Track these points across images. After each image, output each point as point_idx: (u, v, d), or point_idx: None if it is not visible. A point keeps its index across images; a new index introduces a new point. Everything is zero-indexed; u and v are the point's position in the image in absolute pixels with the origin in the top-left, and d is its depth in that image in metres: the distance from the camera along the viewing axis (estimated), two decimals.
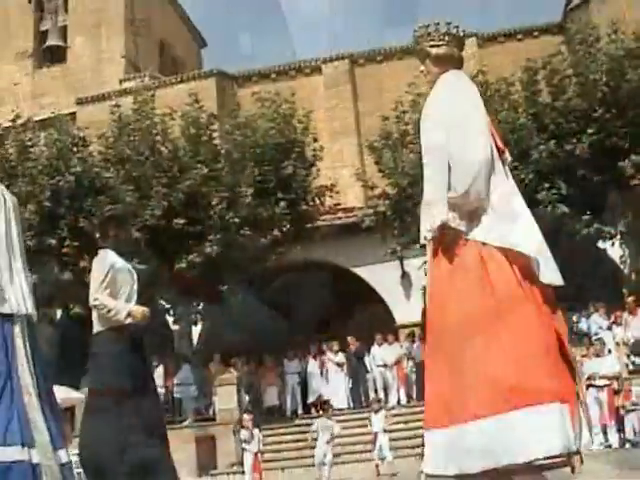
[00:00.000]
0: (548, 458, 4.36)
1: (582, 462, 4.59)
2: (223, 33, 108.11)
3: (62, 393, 20.38)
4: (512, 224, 4.67)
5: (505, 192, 4.78)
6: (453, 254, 4.68)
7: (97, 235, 7.15)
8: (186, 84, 33.79)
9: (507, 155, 5.14)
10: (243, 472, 17.39)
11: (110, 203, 22.14)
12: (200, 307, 25.32)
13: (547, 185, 21.51)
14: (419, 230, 4.84)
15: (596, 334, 21.60)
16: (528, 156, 21.71)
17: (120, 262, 6.76)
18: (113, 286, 6.61)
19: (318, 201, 26.24)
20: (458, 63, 5.18)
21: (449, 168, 4.65)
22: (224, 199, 22.79)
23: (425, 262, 7.74)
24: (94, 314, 6.68)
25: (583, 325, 23.02)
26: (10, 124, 26.06)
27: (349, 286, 27.64)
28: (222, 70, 36.27)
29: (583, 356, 18.76)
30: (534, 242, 4.70)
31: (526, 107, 22.69)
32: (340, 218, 28.26)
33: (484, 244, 4.62)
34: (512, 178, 4.97)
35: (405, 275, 26.34)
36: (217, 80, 35.35)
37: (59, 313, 27.87)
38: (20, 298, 5.31)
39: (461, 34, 5.19)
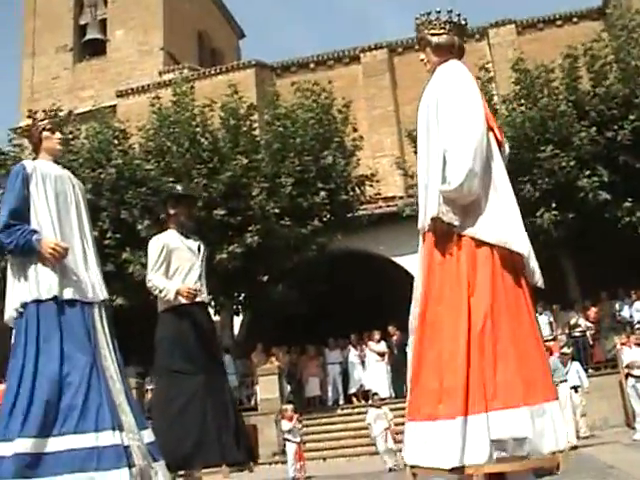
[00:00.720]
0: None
1: (565, 462, 4.60)
2: (261, 24, 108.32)
3: None
4: (505, 221, 4.63)
5: (499, 188, 4.74)
6: (445, 248, 4.65)
7: (161, 215, 7.17)
8: (225, 75, 33.92)
9: (506, 148, 5.10)
10: (285, 462, 17.42)
11: (150, 195, 22.31)
12: (241, 298, 25.41)
13: (588, 172, 21.35)
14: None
15: (639, 322, 21.43)
16: (569, 143, 21.56)
17: (177, 241, 6.78)
18: (167, 266, 6.65)
19: (358, 190, 26.18)
20: (459, 52, 5.12)
21: (444, 161, 4.61)
22: (264, 189, 22.83)
23: None
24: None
25: (625, 313, 22.84)
26: None
27: (390, 275, 27.59)
28: (261, 61, 36.33)
29: (622, 344, 18.59)
30: (526, 241, 4.69)
31: (567, 94, 22.49)
32: (380, 207, 28.16)
33: (477, 240, 4.59)
34: (506, 172, 4.90)
35: None
36: (256, 71, 35.44)
37: None
38: (96, 284, 5.45)
39: (463, 22, 5.12)
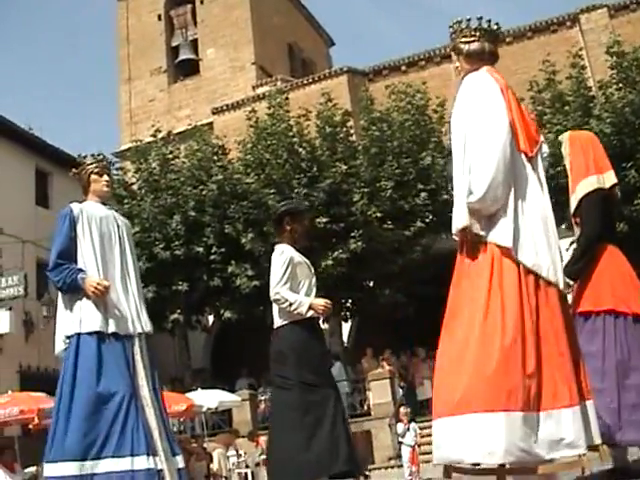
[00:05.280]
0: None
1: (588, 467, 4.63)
2: (350, 30, 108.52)
3: (218, 397, 20.82)
4: (527, 231, 4.72)
5: (525, 196, 4.81)
6: (473, 257, 4.78)
7: (274, 230, 7.23)
8: (318, 84, 33.98)
9: (544, 148, 5.12)
10: (401, 466, 17.37)
11: (252, 208, 22.54)
12: (348, 304, 25.43)
13: None
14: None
15: None
16: None
17: (297, 256, 6.81)
18: (293, 280, 6.66)
19: None
20: (491, 58, 5.15)
21: (469, 173, 4.69)
22: (365, 194, 22.88)
23: (571, 243, 7.78)
24: (274, 309, 6.74)
25: None
26: (151, 139, 26.80)
27: None
28: (352, 67, 36.31)
29: None
30: (544, 249, 4.74)
31: None
32: None
33: (502, 248, 4.67)
34: (540, 174, 4.97)
35: None
36: (348, 77, 35.39)
37: (211, 319, 28.47)
38: (136, 318, 5.82)
39: (494, 28, 5.17)
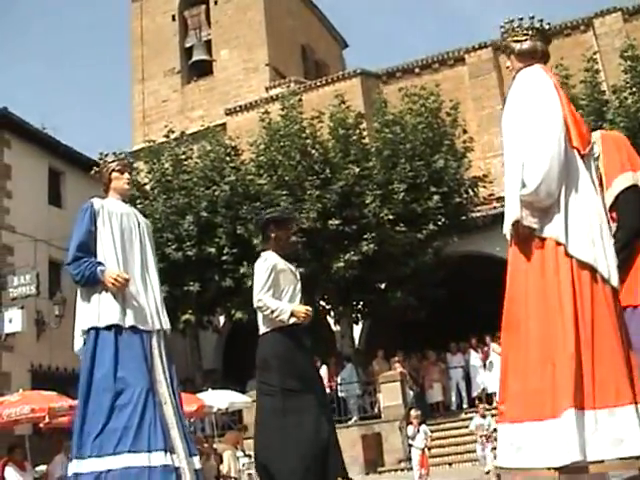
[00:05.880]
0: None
1: None
2: (364, 32, 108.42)
3: (229, 397, 20.81)
4: (581, 225, 4.70)
5: (578, 192, 4.78)
6: (526, 250, 4.77)
7: (259, 238, 7.28)
8: (331, 86, 34.03)
9: (594, 148, 5.14)
10: (410, 469, 17.36)
11: (264, 209, 22.56)
12: (360, 306, 25.42)
13: None
14: None
15: None
16: None
17: (282, 263, 6.85)
18: (276, 287, 6.71)
19: (471, 192, 26.00)
20: (543, 57, 5.16)
21: (523, 167, 4.68)
22: (377, 197, 22.86)
23: None
24: (259, 316, 6.81)
25: None
26: (164, 140, 26.84)
27: None
28: (365, 69, 36.33)
29: None
30: (598, 246, 4.72)
31: None
32: (495, 208, 27.78)
33: (557, 243, 4.66)
34: (593, 173, 4.94)
35: None
36: (361, 79, 35.43)
37: (222, 320, 28.47)
38: (155, 314, 5.80)
39: (546, 27, 5.18)
